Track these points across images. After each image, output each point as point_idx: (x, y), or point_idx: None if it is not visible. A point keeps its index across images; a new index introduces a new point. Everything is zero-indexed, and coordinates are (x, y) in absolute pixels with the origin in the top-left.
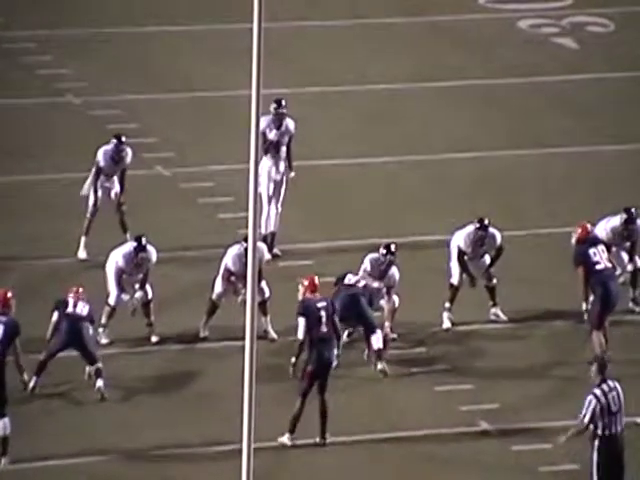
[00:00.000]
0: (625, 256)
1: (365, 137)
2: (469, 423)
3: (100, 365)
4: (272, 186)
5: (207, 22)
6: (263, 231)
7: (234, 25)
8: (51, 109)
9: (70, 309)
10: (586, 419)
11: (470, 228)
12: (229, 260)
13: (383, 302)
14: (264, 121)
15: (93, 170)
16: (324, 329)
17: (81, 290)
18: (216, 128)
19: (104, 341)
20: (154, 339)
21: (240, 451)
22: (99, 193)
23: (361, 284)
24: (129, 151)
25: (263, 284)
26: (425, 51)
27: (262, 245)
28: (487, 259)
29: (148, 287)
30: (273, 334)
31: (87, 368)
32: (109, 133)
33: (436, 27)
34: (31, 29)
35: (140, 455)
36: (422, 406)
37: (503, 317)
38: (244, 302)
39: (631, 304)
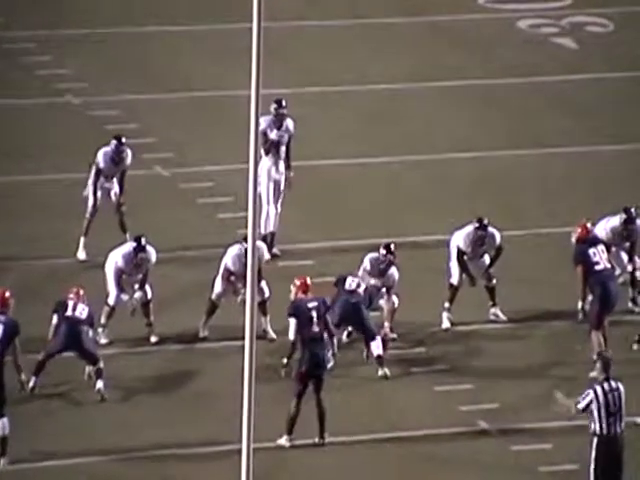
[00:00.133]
0: (625, 256)
1: (365, 137)
2: (468, 423)
3: (101, 365)
4: (272, 186)
5: (207, 22)
6: (263, 231)
7: (233, 25)
8: (50, 109)
9: (69, 312)
10: (579, 407)
11: (469, 228)
12: (229, 260)
13: (382, 302)
14: (265, 121)
15: (93, 171)
16: (315, 329)
17: (81, 292)
18: (215, 128)
19: (103, 341)
20: (153, 339)
21: (239, 451)
22: (99, 194)
23: (362, 288)
24: (129, 152)
25: (263, 284)
26: (425, 51)
27: (262, 245)
28: (487, 259)
29: (147, 287)
30: (272, 334)
31: (87, 368)
32: (108, 133)
33: (436, 27)
34: (30, 29)
35: (140, 455)
36: (421, 406)
37: (503, 317)
38: (244, 302)
39: (630, 304)
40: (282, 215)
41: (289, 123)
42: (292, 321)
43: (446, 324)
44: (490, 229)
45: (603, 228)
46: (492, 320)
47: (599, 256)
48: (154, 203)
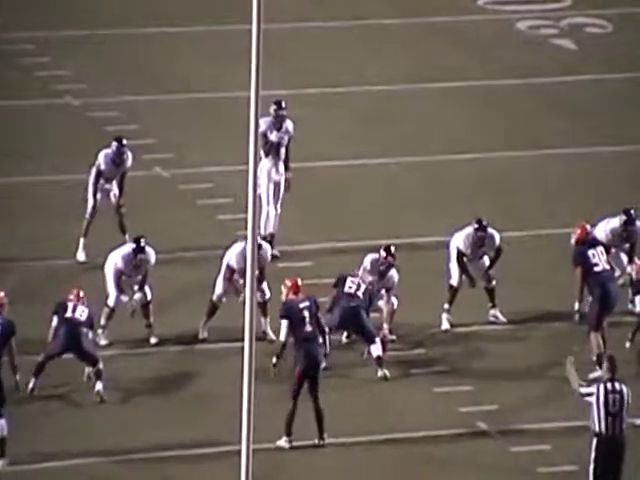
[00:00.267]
0: (624, 257)
1: (364, 138)
2: (468, 424)
3: (101, 367)
4: (272, 187)
5: (206, 23)
6: (262, 232)
7: (232, 26)
8: (49, 110)
9: (69, 313)
10: (581, 390)
11: (469, 229)
12: (232, 258)
13: (382, 303)
14: (264, 123)
15: (93, 172)
16: (308, 328)
17: (81, 293)
18: (215, 129)
19: (103, 342)
20: (153, 340)
21: (239, 452)
22: (98, 195)
23: (361, 290)
24: (130, 154)
25: (264, 285)
26: (423, 52)
27: (267, 245)
28: (486, 260)
29: (147, 288)
30: (272, 335)
31: (87, 369)
32: (108, 134)
33: (434, 28)
34: (29, 30)
35: (139, 456)
36: (421, 407)
37: (502, 318)
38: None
39: (630, 305)
40: (281, 216)
41: (289, 124)
42: (284, 322)
43: (446, 325)
44: (489, 230)
45: (603, 229)
46: (492, 321)
47: (598, 257)
48: (154, 204)
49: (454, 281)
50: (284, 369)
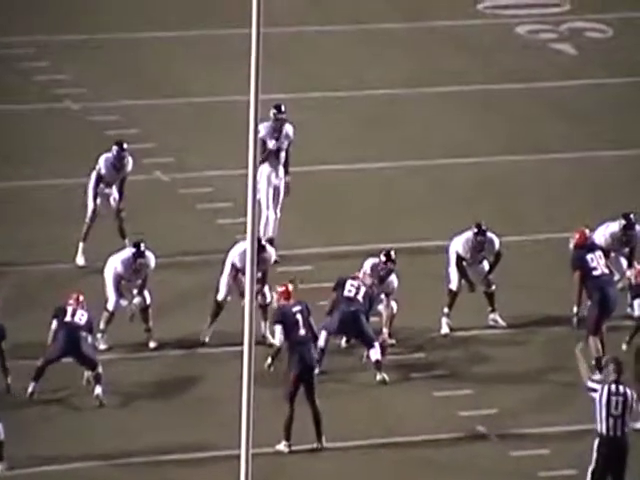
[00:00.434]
0: (624, 262)
1: (364, 142)
2: (468, 428)
3: (100, 371)
4: (271, 191)
5: (205, 28)
6: (262, 236)
7: (232, 30)
8: (49, 115)
9: (68, 318)
10: (587, 384)
11: (468, 234)
12: (235, 257)
13: (381, 308)
14: (264, 128)
15: (93, 177)
16: (302, 332)
17: (81, 298)
18: (215, 133)
19: (103, 347)
20: (152, 344)
21: (238, 456)
22: (98, 200)
23: (361, 294)
24: (130, 159)
25: (266, 289)
26: (424, 56)
27: (271, 248)
28: (486, 265)
29: (147, 293)
30: (272, 339)
31: (86, 373)
32: (107, 139)
33: (435, 32)
34: (28, 35)
35: (139, 460)
36: (421, 411)
37: (502, 323)
38: None
39: (629, 309)
40: (281, 220)
41: (288, 129)
42: (278, 327)
43: (445, 330)
44: (489, 235)
45: (602, 234)
46: (491, 326)
47: (597, 262)
48: (153, 208)
49: (453, 285)
50: (282, 372)
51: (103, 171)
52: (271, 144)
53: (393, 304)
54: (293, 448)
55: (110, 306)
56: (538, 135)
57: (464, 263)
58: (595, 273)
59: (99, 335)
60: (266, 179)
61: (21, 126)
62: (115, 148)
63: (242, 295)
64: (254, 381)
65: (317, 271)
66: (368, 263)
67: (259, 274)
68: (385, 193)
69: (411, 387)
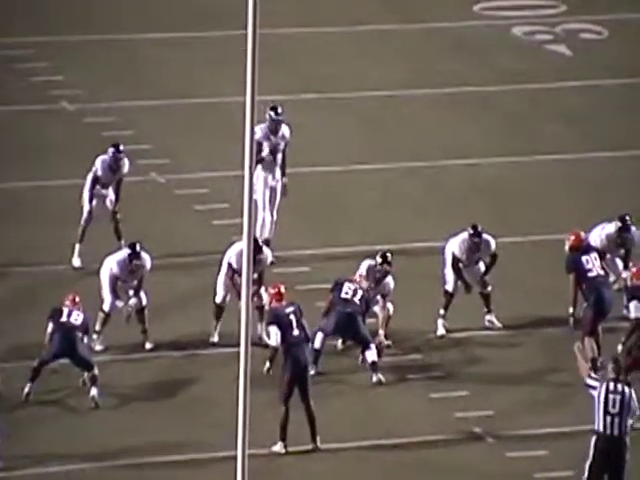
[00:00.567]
0: (620, 263)
1: (361, 144)
2: (464, 430)
3: (96, 372)
4: (268, 193)
5: (202, 29)
6: (258, 238)
7: (229, 32)
8: (46, 116)
9: (64, 318)
10: (586, 380)
11: (464, 235)
12: (232, 258)
13: (377, 309)
14: (261, 130)
15: (89, 178)
16: (295, 333)
17: (77, 299)
18: (211, 135)
19: (98, 348)
20: (148, 346)
21: (235, 457)
22: (94, 201)
23: (358, 296)
24: (126, 161)
25: (262, 290)
26: (420, 57)
27: (267, 250)
28: (482, 266)
29: (142, 294)
30: (268, 340)
31: (82, 375)
32: (104, 140)
33: (431, 33)
34: (26, 36)
35: (134, 461)
36: (417, 413)
37: (498, 324)
38: None
39: (625, 311)
40: (277, 221)
41: (285, 130)
42: (273, 329)
43: (441, 331)
44: (485, 236)
45: (598, 235)
46: (487, 327)
47: (592, 263)
48: (149, 209)
49: (449, 287)
50: (278, 374)
51: (99, 173)
52: (268, 142)
53: (389, 305)
54: (289, 449)
55: (106, 307)
56: (534, 136)
57: (460, 264)
58: (590, 275)
59: (95, 336)
60: (262, 180)
61: (19, 127)
62: (111, 150)
63: (239, 296)
64: (250, 382)
65: (313, 272)
66: (364, 265)
67: (255, 275)
68: (381, 194)
69: (407, 388)
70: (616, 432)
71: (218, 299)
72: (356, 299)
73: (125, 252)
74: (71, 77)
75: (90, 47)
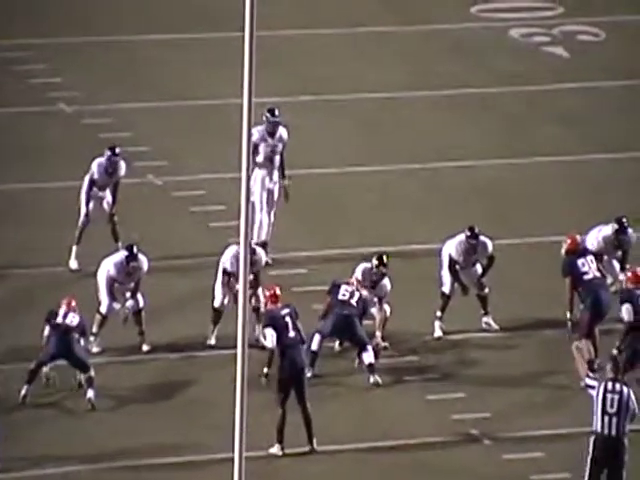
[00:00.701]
0: (617, 265)
1: (358, 145)
2: (461, 431)
3: (92, 374)
4: (265, 195)
5: (200, 30)
6: (255, 240)
7: (227, 33)
8: (44, 118)
9: (60, 319)
10: (586, 380)
11: (461, 237)
12: (226, 262)
13: (374, 311)
14: (258, 132)
15: (86, 181)
16: (292, 335)
17: (73, 302)
18: (208, 137)
19: (95, 350)
20: (145, 348)
21: (232, 459)
22: (91, 204)
23: (355, 298)
24: (123, 164)
25: (259, 291)
26: (418, 59)
27: (261, 250)
28: (479, 268)
29: (139, 296)
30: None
31: (78, 376)
32: (101, 142)
33: (429, 36)
34: (23, 38)
35: (131, 463)
36: (414, 414)
37: (495, 326)
38: None
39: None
40: (274, 223)
41: (282, 132)
42: (269, 331)
43: (438, 333)
44: (482, 238)
45: (595, 237)
46: (484, 329)
47: (588, 266)
48: (146, 211)
49: (446, 289)
50: (275, 376)
51: (96, 176)
52: (265, 144)
53: (386, 307)
54: (286, 451)
55: (103, 309)
56: (531, 138)
57: (457, 266)
58: (586, 277)
59: (92, 338)
60: (260, 182)
61: (16, 129)
62: (107, 153)
63: (236, 300)
64: (247, 384)
65: (310, 275)
66: (359, 269)
67: (251, 276)
68: (379, 196)
69: (404, 390)
70: (614, 432)
71: (216, 303)
72: (353, 301)
73: (122, 254)
74: (69, 79)
75: (88, 49)
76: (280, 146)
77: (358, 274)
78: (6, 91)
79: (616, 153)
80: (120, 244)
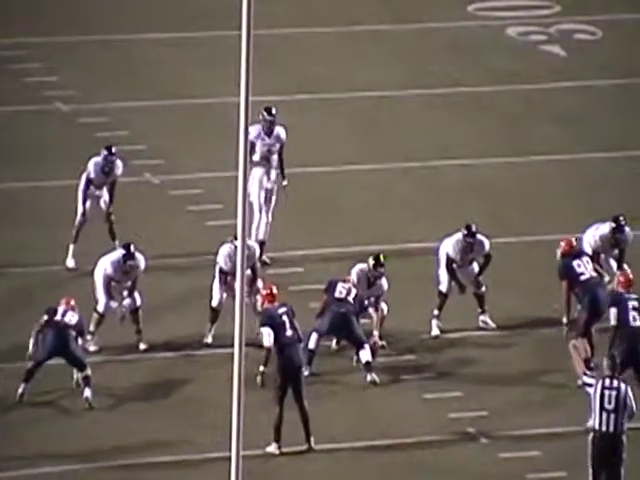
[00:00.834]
0: (614, 264)
1: (354, 144)
2: (457, 430)
3: (89, 372)
4: (263, 195)
5: (196, 29)
6: (252, 239)
7: (224, 32)
8: (40, 116)
9: (57, 317)
10: (583, 378)
11: (458, 235)
12: (221, 260)
13: (371, 310)
14: (255, 130)
15: (83, 180)
16: (289, 333)
17: (72, 301)
18: (205, 135)
19: (92, 349)
20: (142, 347)
21: (229, 458)
22: (88, 203)
23: (352, 296)
24: (119, 163)
25: (259, 283)
26: (415, 58)
27: (253, 244)
28: (475, 266)
29: (137, 294)
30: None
31: (75, 375)
32: (98, 141)
33: (426, 34)
34: (20, 36)
35: (128, 462)
36: (411, 413)
37: (492, 324)
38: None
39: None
40: (272, 223)
41: (280, 131)
42: (266, 330)
43: (435, 331)
44: (479, 236)
45: (592, 236)
46: (481, 327)
47: (584, 267)
48: (143, 210)
49: (443, 287)
50: (272, 375)
51: (92, 175)
52: (262, 143)
53: (383, 306)
54: (283, 450)
55: (100, 308)
56: (528, 137)
57: (454, 265)
58: (583, 278)
59: (89, 337)
60: (258, 182)
61: (13, 128)
62: (104, 152)
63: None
64: (244, 383)
65: (307, 273)
66: (355, 270)
67: (248, 271)
68: (375, 195)
69: (401, 389)
70: (611, 429)
71: (214, 303)
72: (350, 298)
73: (119, 253)
74: (65, 78)
75: (84, 48)
76: (277, 145)
77: (353, 276)
78: (2, 90)
79: (613, 152)
80: (117, 243)
